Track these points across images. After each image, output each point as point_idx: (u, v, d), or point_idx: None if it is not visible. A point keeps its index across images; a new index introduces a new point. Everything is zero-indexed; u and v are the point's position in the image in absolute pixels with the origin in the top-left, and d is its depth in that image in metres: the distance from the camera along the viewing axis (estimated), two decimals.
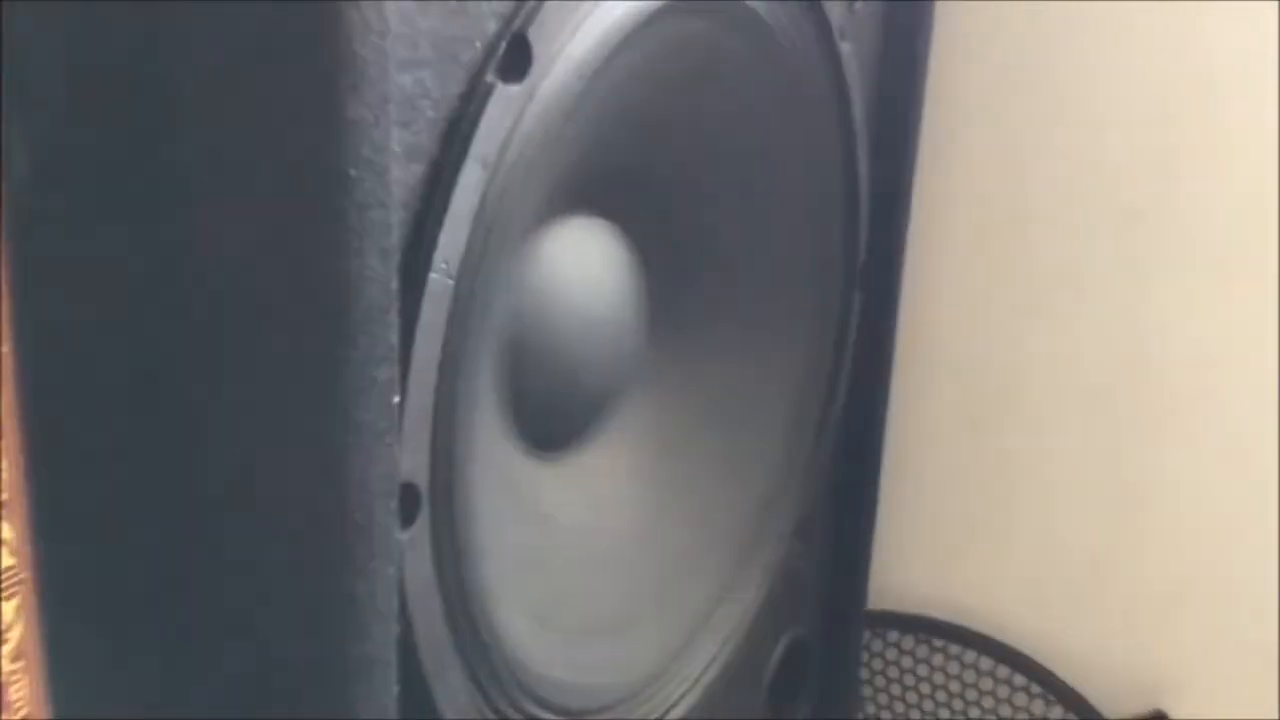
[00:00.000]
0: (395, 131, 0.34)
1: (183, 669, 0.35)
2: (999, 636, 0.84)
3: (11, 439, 0.30)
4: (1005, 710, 0.84)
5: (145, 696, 0.34)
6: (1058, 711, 0.82)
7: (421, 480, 0.38)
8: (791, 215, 0.63)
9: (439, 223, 0.36)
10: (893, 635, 0.88)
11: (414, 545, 0.38)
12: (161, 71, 0.30)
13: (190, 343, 0.33)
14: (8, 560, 0.31)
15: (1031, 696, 0.83)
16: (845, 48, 0.61)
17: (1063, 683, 0.83)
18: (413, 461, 0.37)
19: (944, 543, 0.86)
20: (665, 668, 0.58)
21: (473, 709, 0.42)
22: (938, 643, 0.87)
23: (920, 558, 0.86)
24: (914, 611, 0.86)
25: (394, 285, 0.33)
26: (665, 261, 0.59)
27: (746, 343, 0.64)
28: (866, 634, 0.88)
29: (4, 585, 0.31)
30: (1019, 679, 0.84)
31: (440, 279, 0.36)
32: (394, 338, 0.33)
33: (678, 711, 0.59)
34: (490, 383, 0.49)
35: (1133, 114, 0.74)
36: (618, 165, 0.54)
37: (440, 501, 0.40)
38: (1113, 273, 0.77)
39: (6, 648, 0.31)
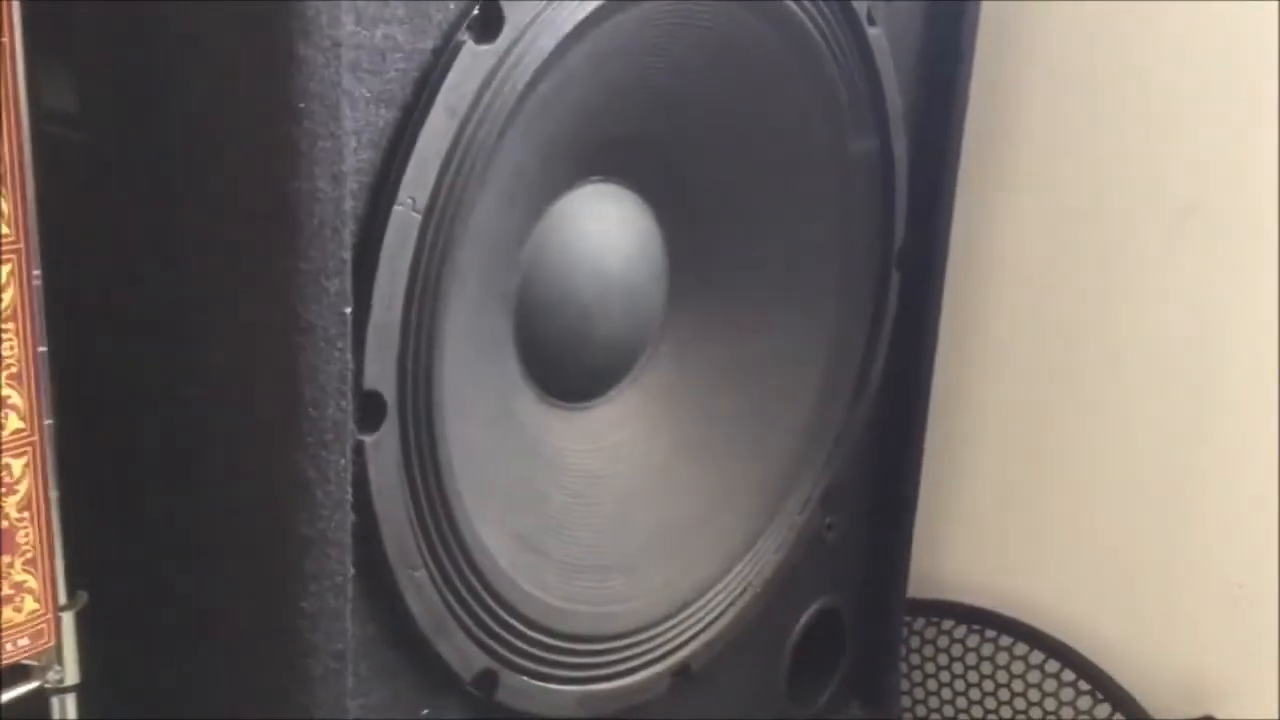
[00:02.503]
0: (362, 77, 0.39)
1: (152, 530, 0.41)
2: (1051, 631, 0.84)
3: (24, 316, 0.36)
4: (1051, 705, 0.84)
5: (125, 551, 0.41)
6: (1105, 710, 0.82)
7: (388, 391, 0.43)
8: (817, 194, 0.65)
9: (405, 161, 0.41)
10: (947, 624, 0.88)
11: (379, 448, 0.43)
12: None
13: (171, 245, 0.39)
14: (15, 424, 0.37)
15: (1079, 693, 0.83)
16: (874, 32, 0.63)
17: (1112, 681, 0.82)
18: (378, 372, 0.43)
19: (999, 534, 0.86)
20: (670, 613, 0.62)
21: (440, 605, 0.47)
22: (989, 634, 0.87)
23: (975, 548, 0.87)
24: (968, 602, 0.87)
25: (347, 207, 0.38)
26: (687, 231, 0.63)
27: (772, 314, 0.67)
28: (920, 621, 0.89)
29: (13, 445, 0.37)
30: (1068, 674, 0.83)
31: (405, 211, 0.41)
32: (345, 254, 0.38)
33: (681, 655, 0.63)
34: (491, 325, 0.54)
35: (1187, 103, 0.73)
36: (636, 134, 0.58)
37: (415, 417, 0.45)
38: (1167, 263, 0.76)
39: (15, 498, 0.38)
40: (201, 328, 0.40)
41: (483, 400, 0.53)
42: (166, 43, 0.37)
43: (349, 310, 0.39)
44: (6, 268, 0.36)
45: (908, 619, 0.87)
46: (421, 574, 0.46)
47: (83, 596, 0.41)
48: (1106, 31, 0.75)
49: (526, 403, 0.58)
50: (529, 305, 0.57)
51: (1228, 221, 0.73)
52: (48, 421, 0.38)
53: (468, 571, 0.49)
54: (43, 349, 0.38)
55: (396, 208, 0.41)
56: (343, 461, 0.40)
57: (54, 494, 0.38)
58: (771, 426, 0.68)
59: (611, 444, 0.62)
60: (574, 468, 0.60)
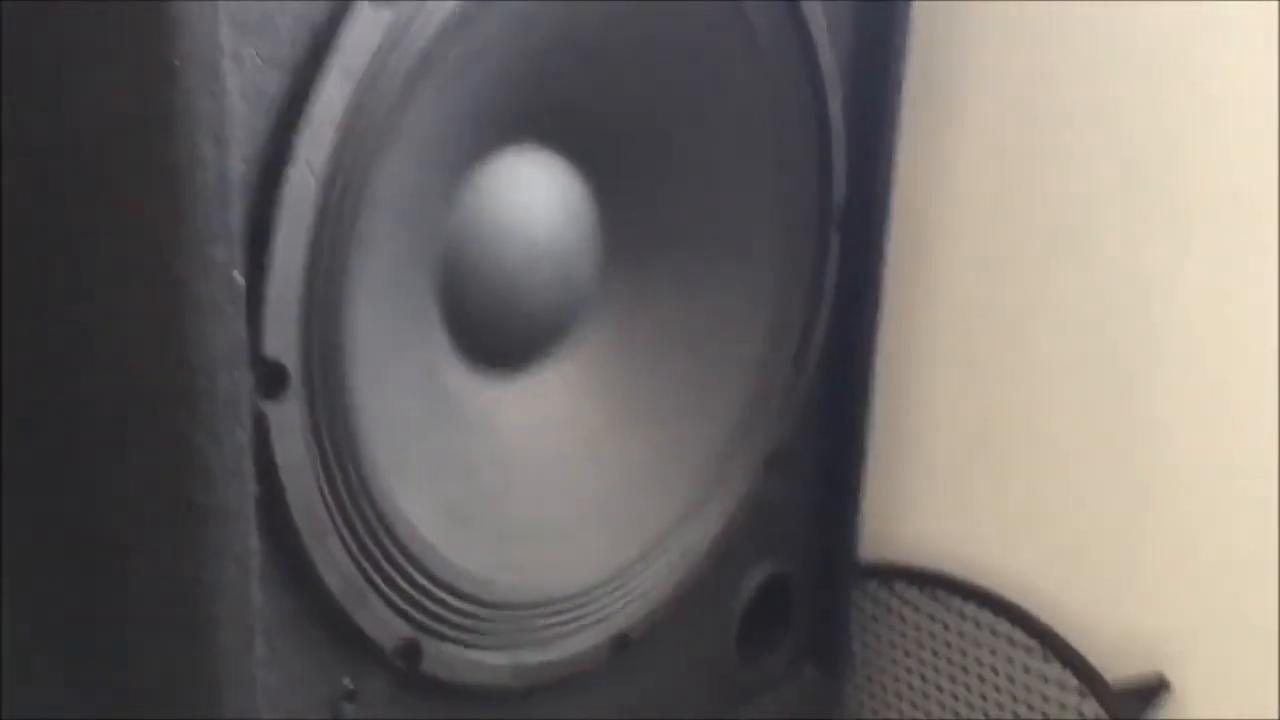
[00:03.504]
0: (250, 39, 0.39)
1: (56, 504, 0.40)
2: (1004, 593, 0.84)
3: None
4: (1004, 666, 0.84)
5: (34, 529, 0.40)
6: (1056, 669, 0.82)
7: (290, 359, 0.42)
8: (751, 152, 0.65)
9: (299, 125, 0.41)
10: (899, 586, 0.88)
11: (282, 417, 0.43)
12: None
13: (57, 211, 0.38)
14: None
15: (1031, 654, 0.83)
16: (807, 5, 0.63)
17: (1065, 642, 0.82)
18: (280, 340, 0.42)
19: (953, 497, 0.86)
20: (606, 579, 0.62)
21: (359, 577, 0.47)
22: (942, 595, 0.87)
23: (930, 512, 0.87)
24: (920, 565, 0.87)
25: (233, 171, 0.38)
26: (620, 196, 0.62)
27: (711, 279, 0.66)
28: (873, 583, 0.89)
29: None
30: (1020, 635, 0.83)
31: (301, 175, 0.41)
32: (232, 220, 0.38)
33: (618, 623, 0.62)
34: (412, 293, 0.53)
35: (1134, 64, 0.73)
36: (564, 99, 0.58)
37: (324, 385, 0.45)
38: (1120, 217, 0.76)
39: None
40: (93, 296, 0.39)
41: (404, 368, 0.52)
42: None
43: (238, 276, 0.38)
44: None
45: (860, 582, 0.88)
46: (334, 543, 0.45)
47: None
48: None
49: (455, 371, 0.57)
50: (454, 273, 0.56)
51: (1181, 174, 0.73)
52: None
53: (386, 540, 0.48)
54: None
55: (291, 172, 0.41)
56: (239, 431, 0.40)
57: None
58: (713, 391, 0.67)
59: (547, 411, 0.62)
60: (507, 435, 0.59)
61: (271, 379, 0.42)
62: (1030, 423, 0.82)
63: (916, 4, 0.72)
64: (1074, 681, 0.81)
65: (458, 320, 0.56)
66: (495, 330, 0.58)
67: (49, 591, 0.43)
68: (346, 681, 0.49)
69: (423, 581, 0.50)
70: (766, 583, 0.76)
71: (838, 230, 0.71)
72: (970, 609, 0.85)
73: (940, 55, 0.78)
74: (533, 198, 0.59)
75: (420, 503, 0.51)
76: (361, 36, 0.42)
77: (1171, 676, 0.78)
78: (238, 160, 0.39)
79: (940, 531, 0.86)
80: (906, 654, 0.88)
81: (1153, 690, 0.78)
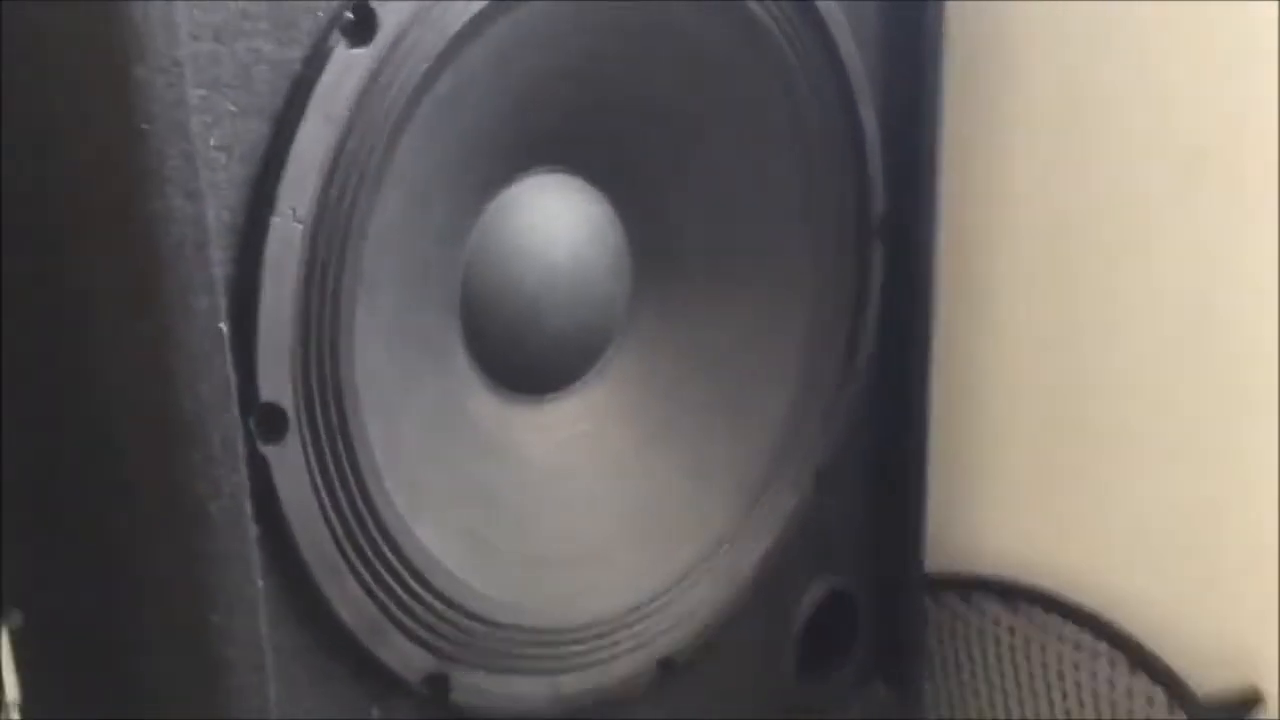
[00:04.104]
0: (225, 91, 0.40)
1: (72, 546, 0.42)
2: (1087, 604, 0.81)
3: None
4: (1088, 680, 0.81)
5: (51, 567, 0.42)
6: (1143, 682, 0.78)
7: (288, 402, 0.43)
8: (778, 161, 0.64)
9: (280, 172, 0.41)
10: (975, 598, 0.86)
11: (283, 459, 0.43)
12: None
13: (51, 263, 0.40)
14: None
15: (1117, 668, 0.79)
16: (826, 5, 0.61)
17: (1153, 654, 0.78)
18: (275, 384, 0.43)
19: (1030, 504, 0.83)
20: (645, 601, 0.61)
21: (377, 612, 0.47)
22: (1022, 607, 0.84)
23: (1007, 519, 0.84)
24: (999, 574, 0.84)
25: (210, 222, 0.39)
26: (646, 215, 0.62)
27: (744, 295, 0.65)
28: (950, 595, 0.87)
29: None
30: (1105, 648, 0.80)
31: (285, 222, 0.42)
32: (214, 270, 0.39)
33: (662, 646, 0.62)
34: (428, 324, 0.54)
35: (1195, 53, 0.69)
36: (575, 122, 0.58)
37: (326, 424, 0.46)
38: (1184, 213, 0.72)
39: None
40: (87, 348, 0.41)
41: (419, 400, 0.53)
42: (22, 64, 0.38)
43: (223, 326, 0.39)
44: None
45: (936, 595, 0.85)
46: (349, 580, 0.46)
47: (16, 615, 0.43)
48: None
49: (479, 399, 0.58)
50: (473, 301, 0.56)
51: (1245, 163, 0.69)
52: None
53: (405, 574, 0.49)
54: None
55: (275, 219, 0.41)
56: (237, 476, 0.41)
57: None
58: (751, 407, 0.66)
59: (577, 435, 0.62)
60: (535, 460, 0.59)
61: (269, 422, 0.43)
62: (1106, 423, 0.78)
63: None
64: (1162, 695, 0.77)
65: (480, 347, 0.57)
66: (519, 356, 0.59)
67: (60, 632, 0.44)
68: (375, 712, 0.50)
69: (446, 612, 0.51)
70: (827, 599, 0.74)
71: (880, 239, 0.69)
72: (1053, 621, 0.82)
73: (983, 49, 0.76)
74: (552, 221, 0.59)
75: (439, 532, 0.51)
76: (340, 80, 0.42)
77: (1264, 687, 0.74)
78: (219, 210, 0.40)
79: (1018, 540, 0.83)
80: (985, 668, 0.85)
81: (1245, 702, 0.74)
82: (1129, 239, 0.74)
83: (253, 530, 0.41)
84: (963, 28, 0.72)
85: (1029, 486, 0.82)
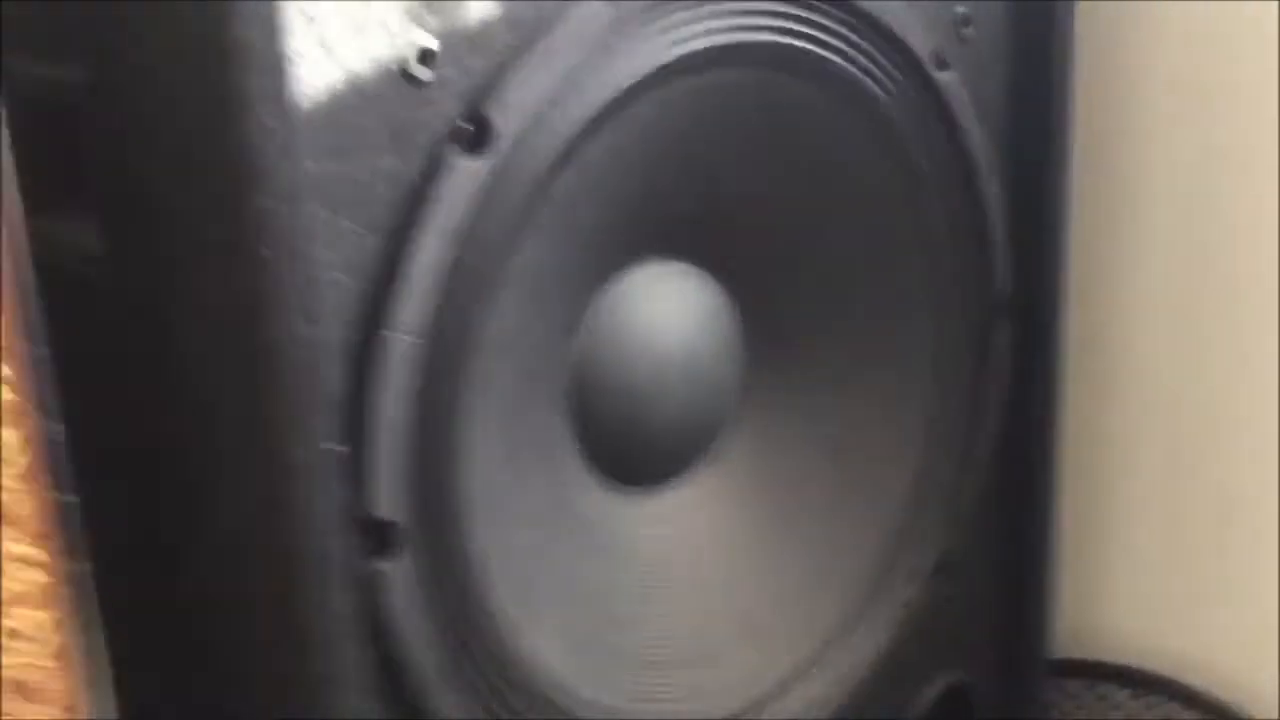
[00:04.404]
0: (340, 210, 0.39)
1: (160, 678, 0.41)
2: (1223, 697, 0.76)
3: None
4: None
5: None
6: None
7: (401, 516, 0.43)
8: (899, 251, 0.62)
9: (396, 288, 0.41)
10: (1103, 688, 0.82)
11: (395, 575, 0.43)
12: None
13: (173, 387, 0.40)
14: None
15: None
16: (946, 77, 0.59)
17: None
18: (390, 499, 0.42)
19: (1165, 587, 0.79)
20: (758, 704, 0.59)
21: None
22: (1154, 700, 0.80)
23: (1138, 603, 0.80)
24: (1130, 663, 0.80)
25: (329, 343, 0.38)
26: (760, 302, 0.60)
27: (861, 382, 0.63)
28: (1075, 684, 0.83)
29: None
30: None
31: (399, 338, 0.41)
32: (328, 389, 0.38)
33: None
34: (537, 422, 0.53)
35: None
36: (688, 211, 0.56)
37: (439, 536, 0.45)
38: None
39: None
40: (207, 472, 0.40)
41: (529, 500, 0.52)
42: (145, 198, 0.38)
43: (338, 447, 0.39)
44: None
45: (1060, 683, 0.81)
46: (457, 699, 0.45)
47: None
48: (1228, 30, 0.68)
49: (588, 494, 0.56)
50: (584, 395, 0.55)
51: None
52: None
53: (514, 684, 0.48)
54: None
55: (390, 335, 0.41)
56: (347, 597, 0.40)
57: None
58: (869, 499, 0.64)
59: (687, 528, 0.60)
60: (644, 555, 0.58)
61: (383, 538, 0.42)
62: (1240, 508, 0.74)
63: (1082, 71, 0.68)
64: None
65: (590, 443, 0.56)
66: (630, 449, 0.57)
67: None
68: None
69: None
70: (946, 694, 0.71)
71: (1006, 318, 0.67)
72: (1176, 710, 0.78)
73: (1112, 119, 0.73)
74: (662, 311, 0.57)
75: (549, 640, 0.50)
76: (457, 191, 0.42)
77: None
78: (335, 330, 0.39)
79: (1146, 625, 0.79)
80: None
81: None
82: (1268, 315, 0.70)
83: (360, 652, 0.41)
84: (1091, 96, 0.70)
85: (1158, 570, 0.78)
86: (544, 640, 0.50)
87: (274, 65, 0.36)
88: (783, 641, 0.60)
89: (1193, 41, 0.69)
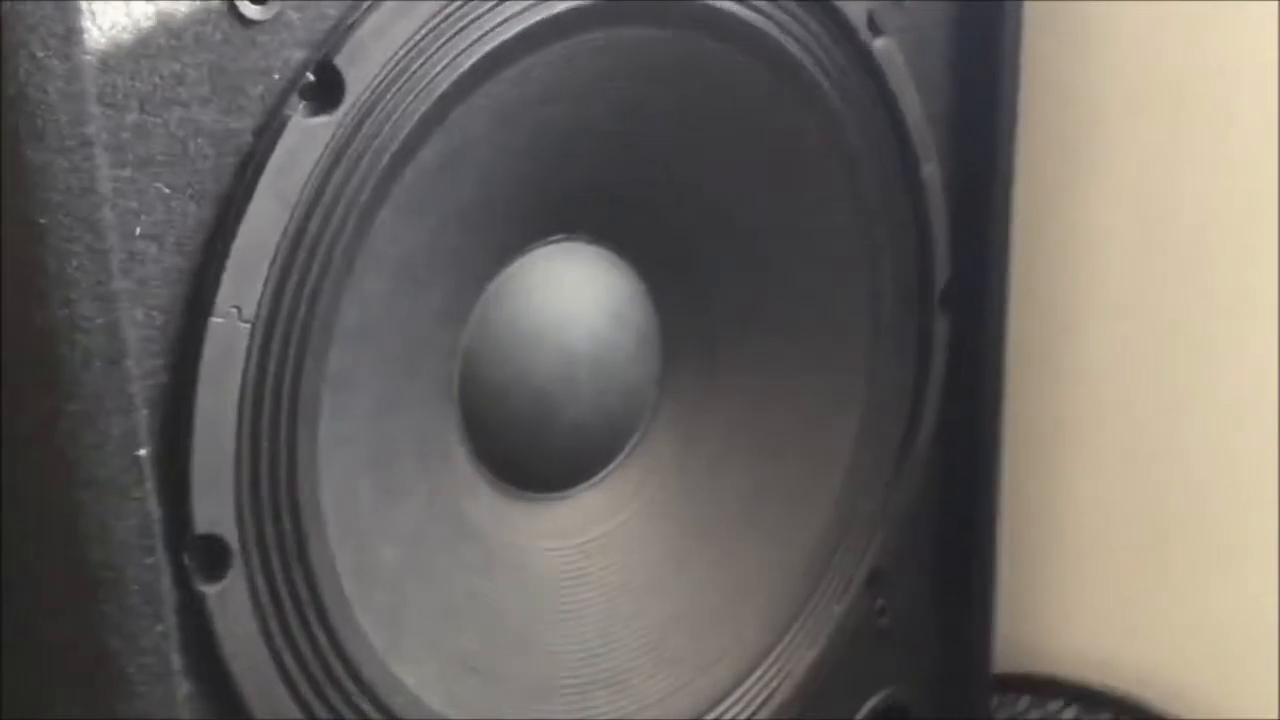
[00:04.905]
0: (158, 171, 0.33)
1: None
2: (1171, 711, 0.72)
3: None
4: None
5: None
6: None
7: (229, 531, 0.37)
8: (831, 234, 0.56)
9: (222, 264, 0.35)
10: (1052, 705, 0.77)
11: (225, 599, 0.37)
12: None
13: None
14: None
15: None
16: (881, 44, 0.54)
17: None
18: (214, 513, 0.36)
19: (1110, 598, 0.74)
20: None
21: None
22: (1102, 716, 0.75)
23: (1083, 615, 0.75)
24: (1075, 677, 0.76)
25: (128, 332, 0.32)
26: (679, 287, 0.55)
27: (790, 376, 0.58)
28: (1024, 700, 0.78)
29: None
30: None
31: (228, 323, 0.35)
32: (131, 387, 0.32)
33: None
34: (418, 423, 0.47)
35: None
36: (595, 185, 0.51)
37: (280, 554, 0.39)
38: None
39: None
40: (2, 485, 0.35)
41: (402, 510, 0.46)
42: None
43: (143, 453, 0.33)
44: None
45: (1008, 700, 0.77)
46: None
47: None
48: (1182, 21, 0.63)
49: (481, 503, 0.51)
50: (475, 392, 0.50)
51: None
52: None
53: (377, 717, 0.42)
54: None
55: (215, 320, 0.35)
56: (161, 626, 0.34)
57: None
58: (797, 504, 0.59)
59: (598, 536, 0.54)
60: (542, 569, 0.52)
61: (207, 557, 0.36)
62: (1188, 517, 0.70)
63: (1029, 40, 0.63)
64: None
65: (483, 447, 0.50)
66: (528, 453, 0.52)
67: None
68: None
69: None
70: (883, 713, 0.66)
71: (944, 312, 0.62)
72: None
73: (1062, 92, 0.68)
74: (566, 297, 0.52)
75: (426, 666, 0.45)
76: (297, 154, 0.36)
77: None
78: (147, 312, 0.33)
79: (1092, 639, 0.75)
80: None
81: None
82: (1225, 310, 0.66)
83: (184, 688, 0.35)
84: (1039, 71, 0.65)
85: (1104, 582, 0.74)
86: (414, 666, 0.44)
87: None
88: (700, 664, 0.55)
89: (1152, 15, 0.64)
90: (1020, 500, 0.73)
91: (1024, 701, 0.78)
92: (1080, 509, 0.74)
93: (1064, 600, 0.75)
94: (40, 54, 0.29)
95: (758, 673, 0.57)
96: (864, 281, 0.58)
